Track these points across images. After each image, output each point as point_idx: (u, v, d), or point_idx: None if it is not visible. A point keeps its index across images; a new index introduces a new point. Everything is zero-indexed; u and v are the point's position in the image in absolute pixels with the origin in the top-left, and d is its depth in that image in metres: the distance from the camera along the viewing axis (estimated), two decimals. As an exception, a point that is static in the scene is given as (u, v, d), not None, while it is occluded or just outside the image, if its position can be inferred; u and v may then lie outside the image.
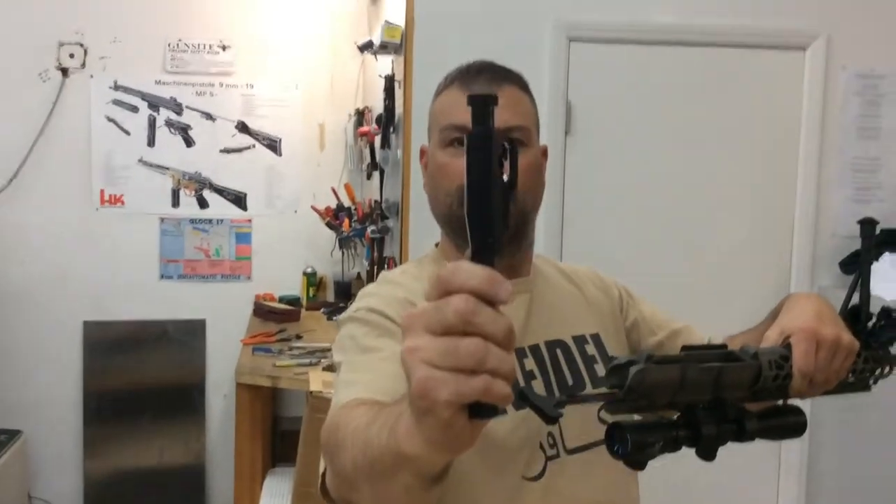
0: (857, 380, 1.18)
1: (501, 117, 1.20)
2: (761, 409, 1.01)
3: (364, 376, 1.07)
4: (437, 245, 1.39)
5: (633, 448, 0.88)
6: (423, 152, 1.35)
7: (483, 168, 0.66)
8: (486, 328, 0.62)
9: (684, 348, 0.95)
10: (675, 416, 0.95)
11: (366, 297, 1.26)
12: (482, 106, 0.67)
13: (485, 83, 1.24)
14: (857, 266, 3.12)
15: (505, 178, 0.69)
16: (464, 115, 1.20)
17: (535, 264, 1.38)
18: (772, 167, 3.16)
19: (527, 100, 1.29)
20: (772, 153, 3.16)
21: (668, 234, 3.12)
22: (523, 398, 0.78)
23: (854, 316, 1.23)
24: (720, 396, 0.95)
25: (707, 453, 0.94)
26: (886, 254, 2.97)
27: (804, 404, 1.08)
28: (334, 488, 0.94)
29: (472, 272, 0.63)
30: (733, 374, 0.96)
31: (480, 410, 0.63)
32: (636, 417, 1.01)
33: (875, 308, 1.23)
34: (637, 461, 0.90)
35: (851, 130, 3.18)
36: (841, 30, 3.12)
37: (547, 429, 1.21)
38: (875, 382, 1.21)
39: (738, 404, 0.97)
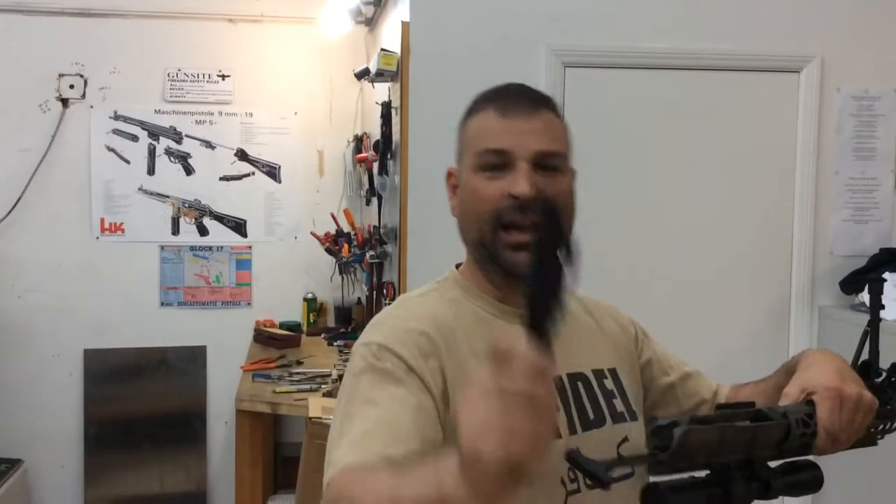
0: (865, 435, 1.17)
1: (542, 140, 1.20)
2: (779, 466, 1.01)
3: (358, 434, 1.07)
4: (457, 266, 1.34)
5: None
6: (450, 174, 1.31)
7: (553, 266, 0.78)
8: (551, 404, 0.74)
9: (719, 407, 0.96)
10: (704, 475, 0.95)
11: (380, 328, 1.22)
12: (551, 214, 0.84)
13: (524, 109, 1.22)
14: (856, 286, 3.13)
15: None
16: (502, 140, 1.19)
17: None
18: (769, 189, 3.17)
19: (562, 125, 1.27)
20: (768, 175, 3.17)
21: (666, 256, 3.13)
22: (573, 462, 0.83)
23: (864, 371, 1.22)
24: (752, 455, 0.95)
25: None
26: (887, 273, 2.98)
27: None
28: None
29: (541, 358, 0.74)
30: (767, 433, 0.97)
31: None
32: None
33: (885, 363, 1.23)
34: None
35: (847, 151, 3.20)
36: (834, 52, 3.14)
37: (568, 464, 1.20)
38: (882, 437, 1.22)
39: (765, 462, 0.97)
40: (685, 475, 0.97)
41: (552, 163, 1.21)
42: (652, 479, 0.94)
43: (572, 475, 1.20)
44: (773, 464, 1.00)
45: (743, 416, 0.96)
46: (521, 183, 1.16)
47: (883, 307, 1.30)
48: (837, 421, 1.04)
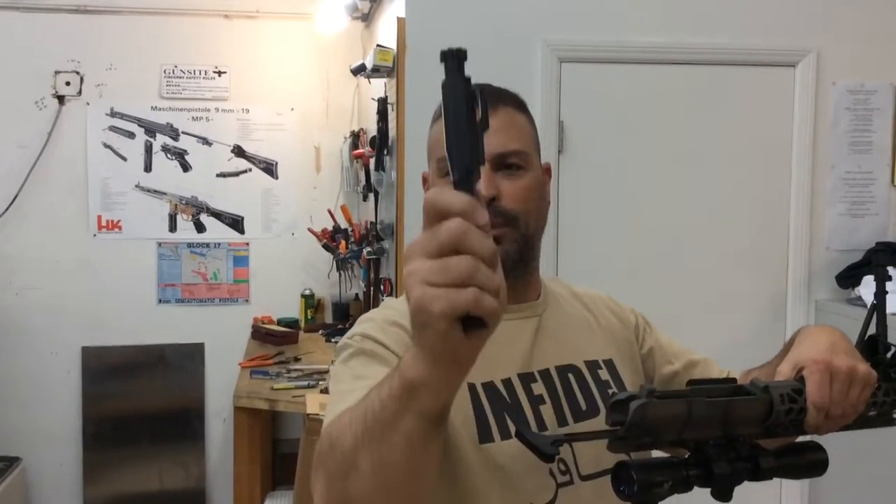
0: (880, 413, 1.11)
1: (497, 141, 1.19)
2: (778, 447, 0.98)
3: (350, 401, 1.07)
4: None
5: (639, 489, 0.86)
6: (424, 179, 1.34)
7: (457, 109, 0.75)
8: (474, 247, 0.71)
9: (690, 382, 0.93)
10: (686, 455, 0.92)
11: (363, 323, 1.26)
12: (454, 58, 0.77)
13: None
14: (853, 280, 3.13)
15: (478, 118, 0.76)
16: None
17: (548, 287, 1.36)
18: (765, 183, 3.18)
19: (523, 120, 1.27)
20: (764, 169, 3.17)
21: (664, 250, 3.13)
22: (520, 437, 0.82)
23: (872, 347, 1.17)
24: (731, 433, 0.92)
25: (722, 494, 0.91)
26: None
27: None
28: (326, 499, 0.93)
29: (455, 197, 0.72)
30: (743, 408, 0.93)
31: (474, 323, 0.71)
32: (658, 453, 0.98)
33: (893, 338, 1.17)
34: (645, 501, 0.87)
35: (843, 145, 3.20)
36: (830, 46, 3.14)
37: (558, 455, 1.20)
38: None
39: (751, 441, 0.94)
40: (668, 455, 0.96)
41: (513, 161, 1.22)
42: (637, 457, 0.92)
43: (563, 467, 1.20)
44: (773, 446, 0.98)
45: (718, 391, 0.92)
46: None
47: (890, 278, 1.25)
48: (827, 395, 1.00)
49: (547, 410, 1.22)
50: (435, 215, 0.73)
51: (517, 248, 1.22)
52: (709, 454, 0.90)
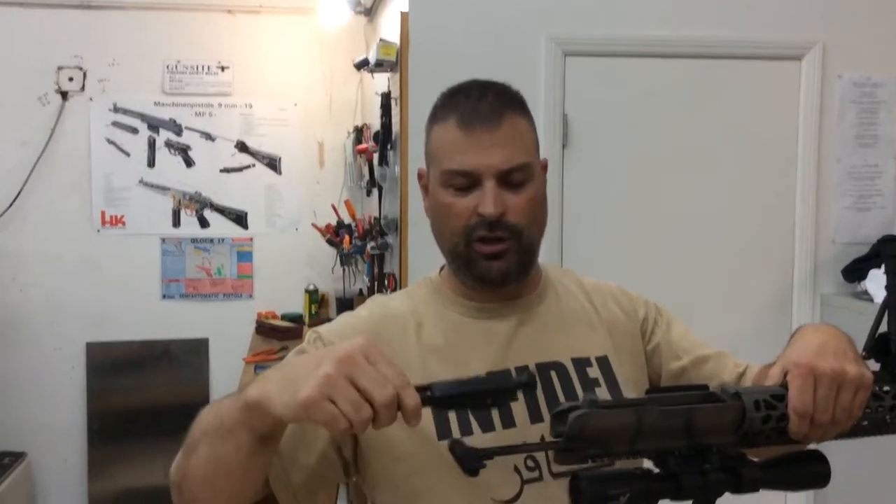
0: (895, 419, 1.02)
1: (504, 159, 1.18)
2: (775, 457, 0.93)
3: None
4: (441, 269, 1.35)
5: (591, 502, 0.83)
6: (420, 175, 1.31)
7: (488, 391, 0.91)
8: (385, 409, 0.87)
9: (649, 391, 0.90)
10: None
11: (330, 324, 1.30)
12: (531, 383, 0.93)
13: (485, 117, 1.18)
14: (858, 273, 3.12)
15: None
16: (466, 160, 1.19)
17: (550, 279, 1.35)
18: (771, 176, 3.16)
19: (527, 127, 1.24)
20: (770, 163, 3.16)
21: (669, 245, 3.12)
22: (451, 451, 0.86)
23: (883, 345, 1.07)
24: (699, 442, 0.88)
25: None
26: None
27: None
28: (175, 470, 1.11)
29: (412, 398, 0.87)
30: (708, 416, 0.88)
31: None
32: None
33: None
34: None
35: (849, 138, 3.18)
36: (836, 39, 3.13)
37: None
38: None
39: (730, 451, 0.90)
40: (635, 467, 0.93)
41: (518, 176, 1.20)
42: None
43: (531, 463, 1.18)
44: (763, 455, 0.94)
45: (682, 398, 0.88)
46: (487, 204, 1.18)
47: (879, 262, 1.18)
48: (809, 400, 0.93)
49: (518, 407, 1.20)
50: (384, 373, 0.87)
51: (518, 259, 1.22)
52: (672, 465, 0.87)
